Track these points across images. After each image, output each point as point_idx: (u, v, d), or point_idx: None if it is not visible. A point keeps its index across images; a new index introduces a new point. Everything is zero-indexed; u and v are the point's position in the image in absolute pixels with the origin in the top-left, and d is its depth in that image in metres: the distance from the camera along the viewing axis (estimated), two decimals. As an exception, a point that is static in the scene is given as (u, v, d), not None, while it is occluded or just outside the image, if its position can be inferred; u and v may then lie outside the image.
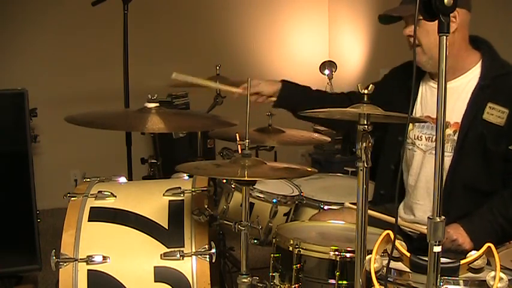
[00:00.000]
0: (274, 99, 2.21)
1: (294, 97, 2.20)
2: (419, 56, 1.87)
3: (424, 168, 1.98)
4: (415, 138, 2.01)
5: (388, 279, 1.31)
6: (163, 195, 1.87)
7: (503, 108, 1.82)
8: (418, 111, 2.02)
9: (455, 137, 1.88)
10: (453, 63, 1.84)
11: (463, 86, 1.91)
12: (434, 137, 1.91)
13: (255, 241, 2.02)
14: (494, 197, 1.86)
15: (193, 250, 1.72)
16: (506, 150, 1.84)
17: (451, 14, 1.77)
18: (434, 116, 1.89)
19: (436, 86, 1.93)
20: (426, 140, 1.98)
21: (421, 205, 2.00)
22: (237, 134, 1.68)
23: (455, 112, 1.89)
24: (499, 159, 1.86)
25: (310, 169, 1.77)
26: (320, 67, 4.77)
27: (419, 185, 2.00)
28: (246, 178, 1.58)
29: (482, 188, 1.88)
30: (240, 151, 1.65)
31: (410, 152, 2.03)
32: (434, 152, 1.86)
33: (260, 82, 2.20)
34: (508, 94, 1.86)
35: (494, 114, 1.83)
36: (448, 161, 1.87)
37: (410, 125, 1.99)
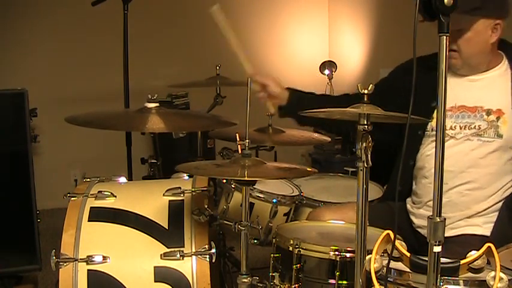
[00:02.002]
0: (279, 102, 2.18)
1: (303, 102, 2.17)
2: (454, 60, 1.95)
3: (458, 155, 1.98)
4: (446, 129, 2.00)
5: (388, 279, 1.31)
6: (163, 195, 1.87)
7: None
8: (449, 102, 1.99)
9: (499, 123, 1.94)
10: (484, 59, 1.96)
11: (497, 76, 1.98)
12: (473, 125, 1.96)
13: (255, 241, 2.02)
14: None
15: (193, 250, 1.72)
16: None
17: (498, 22, 1.88)
18: (470, 105, 1.97)
19: (468, 77, 1.98)
20: (461, 128, 1.98)
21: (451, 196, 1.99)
22: (237, 134, 1.68)
23: (496, 100, 1.95)
24: None
25: (310, 169, 1.77)
26: (320, 67, 4.78)
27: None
28: (246, 178, 1.58)
29: None
30: (240, 151, 1.65)
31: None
32: (474, 138, 1.93)
33: (271, 76, 2.19)
34: None
35: None
36: (492, 146, 1.93)
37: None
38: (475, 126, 1.96)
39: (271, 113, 2.22)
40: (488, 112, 1.95)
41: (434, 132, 2.01)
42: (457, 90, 2.00)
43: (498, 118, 1.94)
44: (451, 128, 1.99)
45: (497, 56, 1.99)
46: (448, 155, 1.97)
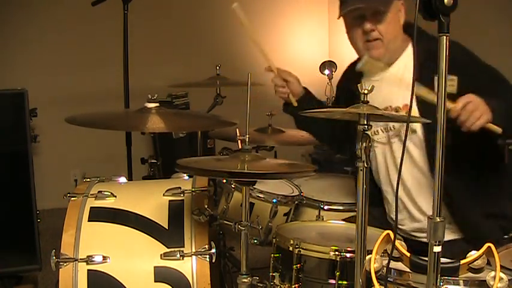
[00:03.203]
0: (294, 100, 2.16)
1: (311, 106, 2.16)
2: (378, 50, 1.90)
3: (393, 158, 1.94)
4: (372, 135, 1.97)
5: (388, 279, 1.31)
6: (163, 195, 1.87)
7: (451, 76, 1.72)
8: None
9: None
10: (393, 47, 1.91)
11: (402, 69, 1.93)
12: (388, 126, 1.93)
13: (255, 241, 2.02)
14: None
15: (193, 250, 1.72)
16: None
17: (401, 3, 1.84)
18: (381, 107, 1.85)
19: (374, 78, 1.94)
20: (383, 131, 1.96)
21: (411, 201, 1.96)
22: (237, 129, 1.69)
23: (402, 95, 1.88)
24: None
25: (309, 166, 1.77)
26: (320, 67, 4.76)
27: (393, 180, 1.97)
28: (245, 170, 1.57)
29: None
30: (240, 145, 1.65)
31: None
32: (399, 136, 1.89)
33: (294, 75, 2.17)
34: (449, 62, 1.87)
35: None
36: (412, 142, 1.87)
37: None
38: (390, 127, 1.93)
39: (294, 104, 2.17)
40: (397, 110, 1.90)
41: (376, 136, 1.98)
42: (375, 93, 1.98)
43: (407, 114, 1.88)
44: (374, 134, 1.97)
45: (405, 41, 1.94)
46: (384, 164, 1.96)
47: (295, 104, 2.16)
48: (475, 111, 1.65)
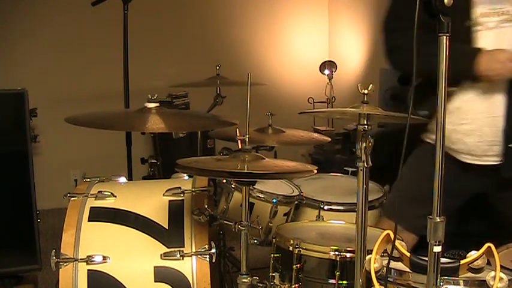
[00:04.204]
0: None
1: None
2: None
3: (499, 44, 1.84)
4: (481, 17, 1.87)
5: (388, 279, 1.31)
6: (163, 195, 1.87)
7: None
8: None
9: None
10: None
11: None
12: (508, 9, 1.82)
13: (255, 241, 2.01)
14: None
15: (193, 250, 1.72)
16: None
17: None
18: None
19: None
20: (493, 15, 1.85)
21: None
22: (237, 129, 1.68)
23: None
24: None
25: (310, 166, 1.77)
26: (320, 67, 4.77)
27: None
28: (245, 171, 1.57)
29: None
30: (240, 145, 1.65)
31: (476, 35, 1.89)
32: (506, 24, 1.78)
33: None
34: None
35: None
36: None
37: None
38: (504, 11, 1.83)
39: None
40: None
41: (484, 19, 1.86)
42: None
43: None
44: (483, 16, 1.85)
45: None
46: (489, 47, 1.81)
47: None
48: None
